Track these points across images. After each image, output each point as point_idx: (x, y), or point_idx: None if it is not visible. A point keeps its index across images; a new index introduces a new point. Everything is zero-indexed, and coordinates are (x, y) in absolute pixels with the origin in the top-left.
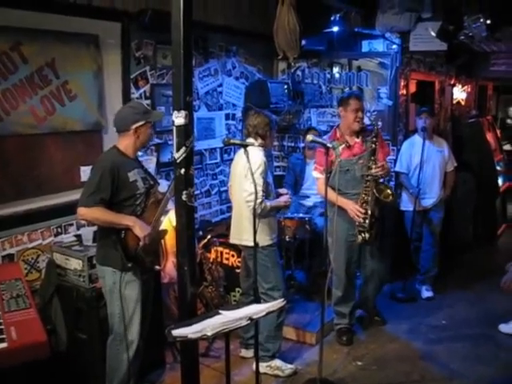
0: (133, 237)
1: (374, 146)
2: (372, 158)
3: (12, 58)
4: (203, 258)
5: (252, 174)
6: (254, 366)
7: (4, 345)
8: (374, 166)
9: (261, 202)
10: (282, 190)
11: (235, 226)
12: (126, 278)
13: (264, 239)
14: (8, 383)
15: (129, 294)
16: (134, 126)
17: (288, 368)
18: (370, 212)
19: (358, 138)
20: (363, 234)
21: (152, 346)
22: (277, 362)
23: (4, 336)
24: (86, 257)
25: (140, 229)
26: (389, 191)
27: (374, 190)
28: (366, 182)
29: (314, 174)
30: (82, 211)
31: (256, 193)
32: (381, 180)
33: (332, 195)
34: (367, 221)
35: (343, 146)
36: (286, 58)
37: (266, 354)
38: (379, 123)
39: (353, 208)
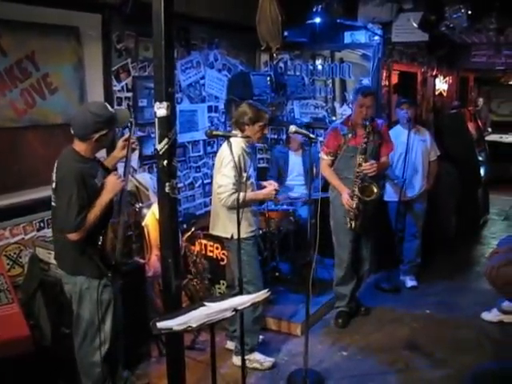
0: (110, 242)
1: (364, 145)
2: (362, 156)
3: None
4: (187, 250)
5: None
6: (234, 358)
7: None
8: (363, 164)
9: (229, 195)
10: (268, 182)
11: (212, 217)
12: (102, 283)
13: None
14: None
15: (103, 298)
16: (96, 136)
17: (267, 361)
18: (354, 205)
19: (365, 129)
20: (351, 222)
21: (137, 339)
22: (256, 356)
23: None
24: None
25: (112, 186)
26: (373, 189)
27: (357, 189)
28: (356, 177)
29: (320, 154)
30: (75, 236)
31: (225, 185)
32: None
33: (333, 178)
34: (352, 212)
35: (351, 134)
36: (268, 49)
37: (245, 347)
38: (381, 120)
39: (345, 196)
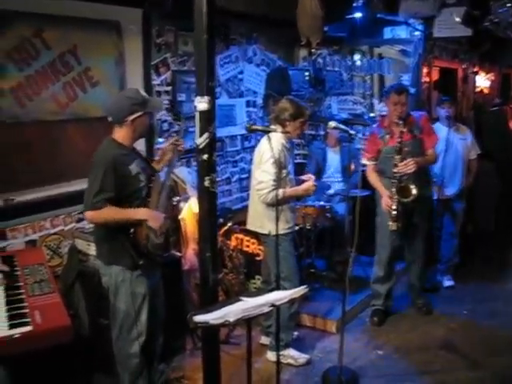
0: (142, 233)
1: (398, 144)
2: (398, 156)
3: (35, 45)
4: (224, 245)
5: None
6: (268, 353)
7: (29, 328)
8: (399, 164)
9: (269, 192)
10: (306, 176)
11: (250, 213)
12: (135, 275)
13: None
14: (32, 367)
15: (138, 290)
16: (130, 118)
17: (301, 357)
18: (394, 206)
19: (403, 127)
20: (393, 223)
21: (172, 332)
22: (290, 352)
23: (29, 319)
24: None
25: (154, 220)
26: (411, 190)
27: (394, 190)
28: (394, 178)
29: (362, 161)
30: (89, 215)
31: (265, 182)
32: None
33: (375, 182)
34: (393, 213)
35: (388, 135)
36: (309, 44)
37: (280, 343)
38: (419, 113)
39: (385, 198)
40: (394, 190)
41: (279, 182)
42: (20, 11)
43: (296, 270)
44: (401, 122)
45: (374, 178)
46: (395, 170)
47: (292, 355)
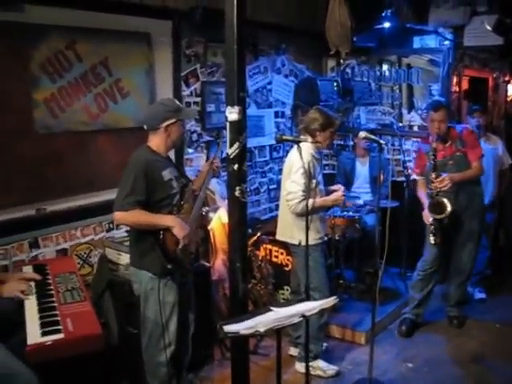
0: (171, 238)
1: (432, 162)
2: (432, 173)
3: (67, 57)
4: (252, 255)
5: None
6: (297, 364)
7: (61, 336)
8: (434, 181)
9: (299, 202)
10: (336, 186)
11: (280, 223)
12: (164, 282)
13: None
14: (62, 375)
15: (167, 299)
16: (164, 124)
17: (330, 369)
18: (431, 220)
19: (445, 143)
20: (432, 237)
21: (201, 342)
22: (319, 363)
23: (60, 327)
24: None
25: (180, 229)
26: (446, 206)
27: (428, 210)
28: (431, 195)
29: (413, 176)
30: (118, 216)
31: (294, 192)
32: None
33: (421, 196)
34: (431, 228)
35: (434, 145)
36: (338, 54)
37: (309, 354)
38: (461, 126)
39: (424, 212)
40: (428, 207)
41: (309, 192)
42: (54, 25)
43: (326, 281)
44: (435, 140)
45: (420, 193)
46: (431, 187)
47: (321, 367)
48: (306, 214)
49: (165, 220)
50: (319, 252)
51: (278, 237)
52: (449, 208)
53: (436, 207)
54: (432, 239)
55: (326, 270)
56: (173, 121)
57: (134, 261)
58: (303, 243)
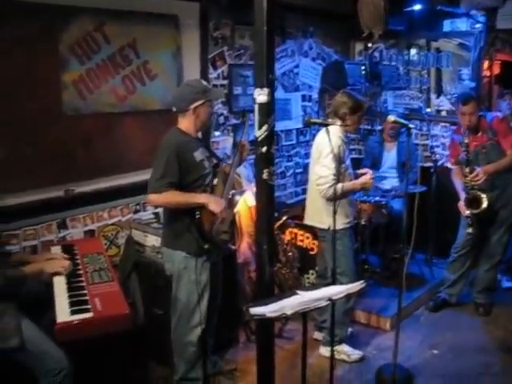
0: (208, 216)
1: (465, 156)
2: (466, 167)
3: (95, 39)
4: (278, 239)
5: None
6: (321, 348)
7: (90, 315)
8: (468, 175)
9: (330, 186)
10: (364, 170)
11: (308, 207)
12: (199, 262)
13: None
14: (90, 353)
15: (201, 278)
16: (192, 106)
17: (355, 354)
18: (467, 213)
19: (477, 133)
20: (468, 228)
21: (226, 324)
22: (344, 348)
23: (89, 306)
24: None
25: (215, 204)
26: (482, 201)
27: (464, 204)
28: (466, 188)
29: (448, 165)
30: (151, 197)
31: (325, 176)
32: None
33: (456, 185)
34: (468, 220)
35: (467, 140)
36: (370, 36)
37: (334, 338)
38: (491, 114)
39: (460, 204)
40: (464, 201)
41: (339, 176)
42: (82, 6)
43: (353, 266)
44: (466, 135)
45: (456, 183)
46: (465, 181)
47: (346, 351)
48: (334, 199)
49: (198, 198)
50: (348, 236)
51: (307, 221)
52: (485, 203)
53: (472, 202)
54: (470, 230)
55: (353, 254)
56: (201, 102)
57: (168, 241)
58: (332, 228)
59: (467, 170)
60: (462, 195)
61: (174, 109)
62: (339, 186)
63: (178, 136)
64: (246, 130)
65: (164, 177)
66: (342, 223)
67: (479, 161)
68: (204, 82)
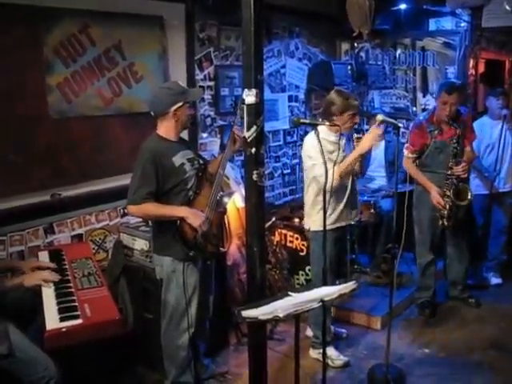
0: (188, 226)
1: (455, 150)
2: (453, 159)
3: (80, 41)
4: (267, 240)
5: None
6: (310, 351)
7: (79, 321)
8: (455, 167)
9: (326, 172)
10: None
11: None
12: (186, 266)
13: (314, 224)
14: (79, 359)
15: (188, 281)
16: (172, 109)
17: (339, 359)
18: (447, 206)
19: (450, 125)
20: (444, 220)
21: (216, 327)
22: (328, 351)
23: (78, 313)
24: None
25: (194, 218)
26: (468, 194)
27: (451, 192)
28: (447, 179)
29: (405, 152)
30: (131, 209)
31: (320, 175)
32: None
33: (419, 175)
34: (446, 212)
35: (437, 131)
36: (360, 36)
37: (316, 340)
38: (464, 108)
39: (435, 195)
40: (448, 191)
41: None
42: (67, 8)
43: (317, 270)
44: (455, 125)
45: (416, 171)
46: (449, 173)
47: (329, 355)
48: (323, 193)
49: (177, 211)
50: (316, 240)
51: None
52: (469, 196)
53: (458, 194)
54: (445, 222)
55: (324, 260)
56: (180, 104)
57: (156, 248)
58: (312, 228)
59: (453, 161)
60: (431, 185)
61: (153, 113)
62: (336, 167)
63: (155, 143)
64: (238, 117)
65: (141, 187)
66: (318, 225)
67: (448, 153)
68: (181, 84)
